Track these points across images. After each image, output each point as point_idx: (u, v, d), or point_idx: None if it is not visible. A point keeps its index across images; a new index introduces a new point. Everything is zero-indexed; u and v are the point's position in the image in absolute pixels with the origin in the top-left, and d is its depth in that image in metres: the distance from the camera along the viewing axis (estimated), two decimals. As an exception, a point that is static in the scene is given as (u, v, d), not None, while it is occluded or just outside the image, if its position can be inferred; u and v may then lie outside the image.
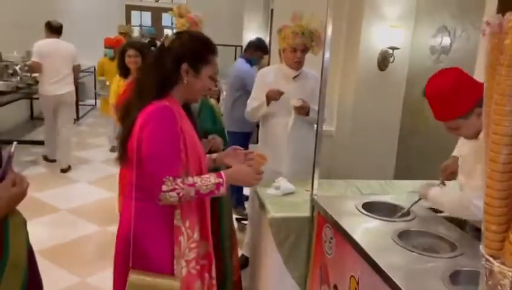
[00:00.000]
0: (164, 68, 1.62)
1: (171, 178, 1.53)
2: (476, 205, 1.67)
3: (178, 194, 1.54)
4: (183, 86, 1.64)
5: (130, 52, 3.70)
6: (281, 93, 2.78)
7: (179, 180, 1.54)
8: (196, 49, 1.65)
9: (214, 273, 1.84)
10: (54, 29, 5.24)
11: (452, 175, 2.10)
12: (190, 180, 1.58)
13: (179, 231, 1.63)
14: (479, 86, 1.68)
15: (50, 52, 5.08)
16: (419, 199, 2.01)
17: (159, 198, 1.54)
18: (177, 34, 1.71)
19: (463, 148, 2.02)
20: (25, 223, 1.26)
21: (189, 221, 1.67)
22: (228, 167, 1.83)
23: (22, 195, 1.19)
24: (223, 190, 1.63)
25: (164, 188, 1.52)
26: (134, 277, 1.56)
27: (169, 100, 1.61)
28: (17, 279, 1.18)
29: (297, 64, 2.86)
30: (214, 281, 1.84)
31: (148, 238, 1.62)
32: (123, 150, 1.65)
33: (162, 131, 1.55)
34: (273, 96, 2.79)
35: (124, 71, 3.78)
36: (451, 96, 1.70)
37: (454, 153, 2.15)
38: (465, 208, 1.74)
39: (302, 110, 2.81)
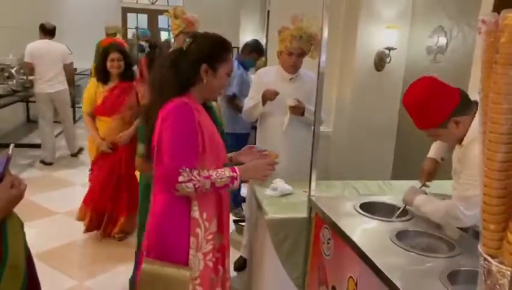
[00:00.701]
0: (184, 70, 1.71)
1: (187, 169, 1.60)
2: (464, 214, 1.67)
3: (194, 185, 1.61)
4: (202, 86, 1.73)
5: (114, 55, 3.39)
6: (276, 94, 2.77)
7: (195, 172, 1.62)
8: (213, 49, 1.73)
9: (227, 267, 1.88)
10: (47, 31, 5.41)
11: (430, 176, 2.11)
12: (206, 173, 1.65)
13: (196, 223, 1.71)
14: (455, 94, 1.69)
15: (41, 53, 5.27)
16: (405, 205, 2.00)
17: (176, 188, 1.61)
18: (193, 37, 1.78)
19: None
20: (22, 225, 1.26)
21: (207, 213, 1.74)
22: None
23: (19, 197, 1.19)
24: (236, 183, 1.70)
25: (181, 178, 1.59)
26: (147, 266, 1.65)
27: (188, 97, 1.70)
28: (16, 281, 1.17)
29: (293, 68, 2.87)
30: (228, 275, 1.89)
31: (166, 229, 1.70)
32: (148, 148, 1.76)
33: (180, 125, 1.63)
34: (268, 96, 2.79)
35: (104, 76, 3.44)
36: (426, 106, 1.69)
37: (430, 155, 2.15)
38: (453, 217, 1.72)
39: (297, 110, 2.81)
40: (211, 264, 1.76)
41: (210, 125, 1.76)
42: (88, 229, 3.56)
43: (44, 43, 5.35)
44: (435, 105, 1.69)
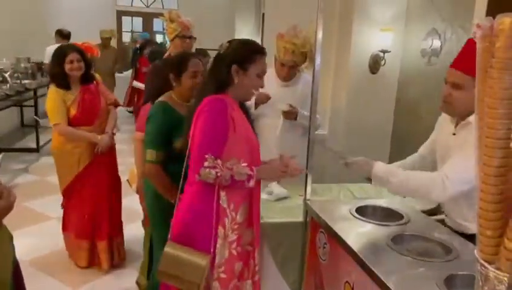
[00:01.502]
0: (219, 72, 1.83)
1: (212, 156, 1.69)
2: (451, 179, 1.61)
3: (216, 173, 1.68)
4: (235, 86, 1.83)
5: (73, 56, 2.95)
6: (268, 98, 2.77)
7: (219, 161, 1.70)
8: (243, 50, 1.84)
9: (257, 260, 1.90)
10: (64, 36, 6.15)
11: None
12: (229, 165, 1.72)
13: (224, 212, 1.78)
14: None
15: None
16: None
17: (200, 173, 1.69)
18: (229, 42, 1.88)
19: (440, 137, 1.96)
20: (11, 238, 1.22)
21: (234, 204, 1.81)
22: None
23: (8, 208, 1.14)
24: (252, 182, 1.74)
25: (206, 163, 1.68)
26: (168, 250, 1.72)
27: (224, 96, 1.81)
28: None
29: (285, 79, 2.87)
30: (257, 268, 1.91)
31: (195, 219, 1.78)
32: (187, 142, 1.85)
33: (213, 116, 1.73)
34: (260, 101, 2.79)
35: (64, 81, 2.99)
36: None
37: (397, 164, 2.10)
38: (436, 183, 1.66)
39: (290, 115, 2.81)
40: (235, 253, 1.83)
41: (244, 122, 1.86)
42: (91, 263, 3.22)
43: None
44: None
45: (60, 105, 2.98)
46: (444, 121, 1.97)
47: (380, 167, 1.87)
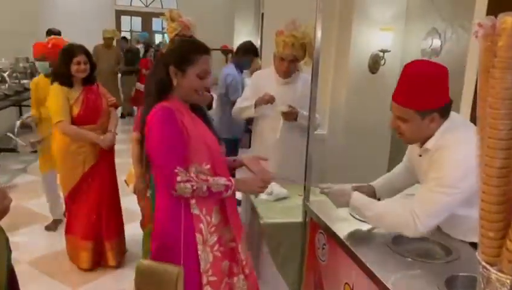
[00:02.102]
0: (158, 73, 1.77)
1: (182, 169, 1.64)
2: (421, 221, 1.57)
3: (192, 186, 1.64)
4: (176, 87, 1.75)
5: (80, 58, 2.95)
6: (272, 99, 2.77)
7: (192, 174, 1.67)
8: (180, 51, 1.76)
9: (243, 254, 1.88)
10: (54, 34, 5.72)
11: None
12: (203, 176, 1.70)
13: (199, 219, 1.75)
14: (448, 94, 1.63)
15: None
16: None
17: (175, 189, 1.64)
18: (171, 41, 1.83)
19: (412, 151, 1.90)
20: (7, 240, 1.21)
21: (206, 208, 1.77)
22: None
23: (4, 212, 1.12)
24: (230, 192, 1.74)
25: (179, 178, 1.63)
26: (141, 261, 1.73)
27: (170, 100, 1.74)
28: None
29: (284, 74, 2.86)
30: (245, 262, 1.89)
31: (172, 231, 1.73)
32: (143, 154, 1.82)
33: (164, 128, 1.67)
34: (264, 101, 2.79)
35: (67, 80, 2.97)
36: (427, 84, 1.58)
37: (372, 183, 2.08)
38: (409, 223, 1.60)
39: (290, 116, 2.80)
40: (219, 254, 1.81)
41: (198, 125, 1.78)
42: (94, 265, 3.20)
43: None
44: (434, 89, 1.58)
45: (64, 102, 2.94)
46: None
47: (356, 199, 1.79)
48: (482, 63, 0.91)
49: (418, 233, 1.61)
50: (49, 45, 3.74)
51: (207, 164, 1.75)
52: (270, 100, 2.81)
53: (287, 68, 2.82)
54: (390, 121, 1.76)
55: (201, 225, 1.75)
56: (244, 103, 2.93)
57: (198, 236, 1.74)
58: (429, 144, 1.67)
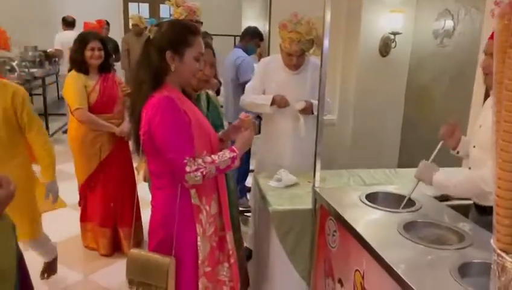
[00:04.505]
0: (152, 60, 1.67)
1: (191, 159, 1.60)
2: (486, 181, 1.64)
3: (202, 173, 1.61)
4: (173, 73, 1.68)
5: (94, 44, 2.96)
6: (286, 104, 2.74)
7: (199, 160, 1.63)
8: (175, 34, 1.67)
9: (231, 244, 1.88)
10: (68, 23, 6.36)
11: (453, 134, 2.01)
12: (209, 159, 1.66)
13: (199, 210, 1.73)
14: None
15: (70, 42, 5.26)
16: (418, 182, 1.93)
17: (186, 180, 1.61)
18: (158, 24, 1.73)
19: (485, 118, 1.91)
20: (13, 227, 1.21)
21: (206, 198, 1.75)
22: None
23: (9, 197, 1.12)
24: (237, 162, 1.73)
25: (188, 169, 1.59)
26: (133, 252, 1.72)
27: (167, 89, 1.66)
28: (5, 285, 1.13)
29: (294, 68, 2.80)
30: (232, 251, 1.89)
31: (172, 222, 1.69)
32: (137, 145, 1.73)
33: (170, 119, 1.61)
34: (278, 104, 2.75)
35: (84, 67, 2.99)
36: None
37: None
38: (476, 185, 1.70)
39: (307, 111, 2.76)
40: (214, 244, 1.81)
41: (194, 111, 1.75)
42: (113, 251, 3.26)
43: (70, 34, 5.67)
44: None
45: (82, 90, 2.94)
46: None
47: (438, 175, 1.87)
48: (498, 43, 0.87)
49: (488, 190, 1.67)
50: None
51: (207, 152, 1.71)
52: (286, 105, 2.76)
53: (296, 62, 2.76)
54: (482, 63, 1.77)
55: (200, 216, 1.73)
56: (256, 97, 2.86)
57: (198, 227, 1.72)
58: None
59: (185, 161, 1.59)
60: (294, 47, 2.68)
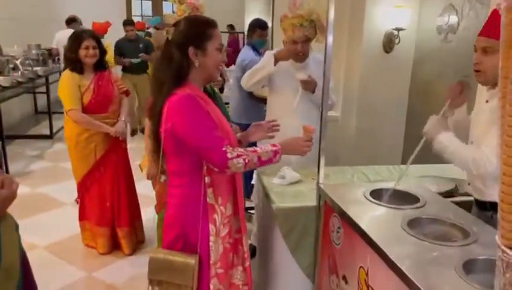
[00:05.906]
0: (174, 59, 1.67)
1: (229, 146, 1.61)
2: (491, 161, 1.65)
3: (244, 160, 1.61)
4: (197, 69, 1.69)
5: (89, 42, 2.93)
6: (288, 56, 2.71)
7: (239, 148, 1.64)
8: (194, 30, 1.69)
9: (246, 247, 1.88)
10: (68, 21, 6.60)
11: (461, 98, 2.00)
12: (249, 148, 1.67)
13: (213, 209, 1.72)
14: None
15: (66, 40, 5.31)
16: (423, 141, 1.92)
17: (228, 166, 1.60)
18: (175, 24, 1.74)
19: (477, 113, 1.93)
20: (16, 227, 1.21)
21: (221, 198, 1.74)
22: (253, 144, 1.90)
23: (11, 197, 1.12)
24: (278, 157, 1.72)
25: (229, 155, 1.59)
26: (154, 255, 1.72)
27: (189, 87, 1.67)
28: (10, 283, 1.13)
29: (301, 57, 2.76)
30: (247, 255, 1.89)
31: (186, 220, 1.71)
32: (158, 144, 1.73)
33: (195, 112, 1.62)
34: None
35: (76, 66, 2.95)
36: None
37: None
38: (477, 162, 1.71)
39: (309, 85, 2.70)
40: (228, 246, 1.79)
41: (217, 112, 1.75)
42: (111, 249, 3.26)
43: (67, 32, 5.48)
44: None
45: (75, 90, 2.93)
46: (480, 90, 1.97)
47: (444, 135, 1.88)
48: (504, 37, 0.86)
49: (486, 172, 1.71)
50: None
51: None
52: (290, 56, 2.71)
53: (302, 50, 2.73)
54: (474, 59, 1.78)
55: (215, 215, 1.72)
56: (256, 65, 2.81)
57: (211, 227, 1.71)
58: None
59: (224, 149, 1.59)
60: (298, 32, 2.65)
